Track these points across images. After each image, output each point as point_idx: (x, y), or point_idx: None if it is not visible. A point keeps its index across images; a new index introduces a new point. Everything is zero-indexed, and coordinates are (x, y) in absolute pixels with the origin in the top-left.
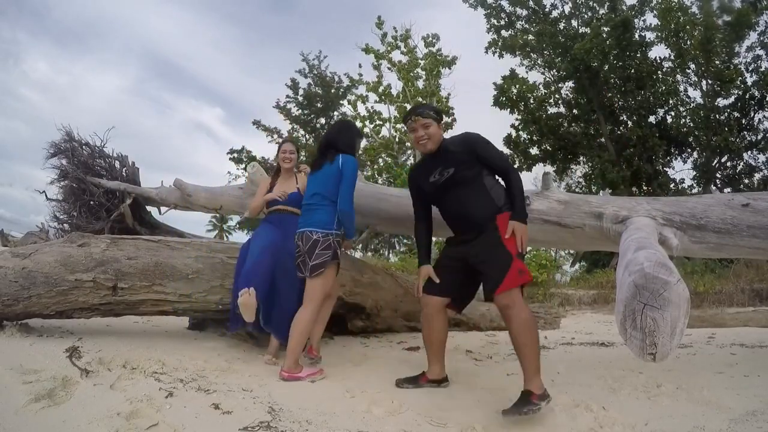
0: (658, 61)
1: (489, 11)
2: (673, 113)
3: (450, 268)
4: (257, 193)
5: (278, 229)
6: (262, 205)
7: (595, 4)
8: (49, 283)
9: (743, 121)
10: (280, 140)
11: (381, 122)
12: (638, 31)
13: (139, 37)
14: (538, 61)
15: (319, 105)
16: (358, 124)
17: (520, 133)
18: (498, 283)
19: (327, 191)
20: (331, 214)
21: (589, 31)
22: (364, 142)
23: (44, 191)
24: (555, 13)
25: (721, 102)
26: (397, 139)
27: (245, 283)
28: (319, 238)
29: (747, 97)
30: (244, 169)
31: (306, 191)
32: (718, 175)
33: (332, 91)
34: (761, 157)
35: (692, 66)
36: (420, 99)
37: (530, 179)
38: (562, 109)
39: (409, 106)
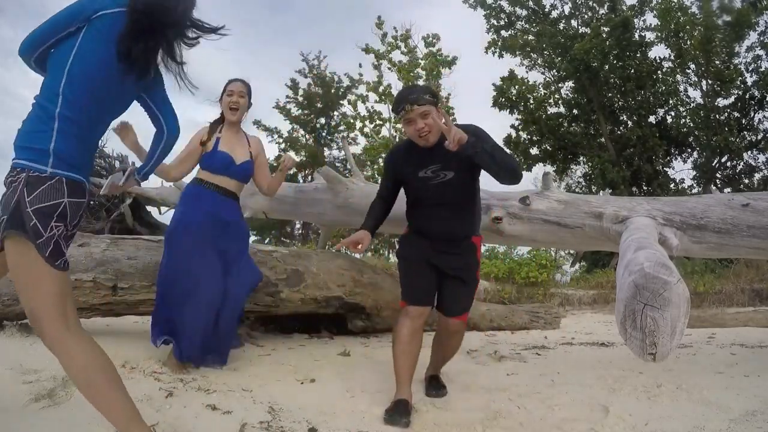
0: (658, 61)
1: (488, 11)
2: (673, 113)
3: (427, 276)
4: (188, 146)
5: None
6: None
7: (595, 4)
8: None
9: (743, 121)
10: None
11: (381, 122)
12: (638, 31)
13: None
14: (538, 62)
15: (319, 105)
16: (358, 124)
17: (520, 133)
18: (464, 310)
19: None
20: None
21: (589, 31)
22: (364, 142)
23: None
24: (555, 14)
25: (721, 102)
26: (397, 140)
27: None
28: None
29: (747, 97)
30: None
31: None
32: (718, 175)
33: (332, 91)
34: (761, 157)
35: (692, 66)
36: None
37: (530, 179)
38: (562, 109)
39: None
